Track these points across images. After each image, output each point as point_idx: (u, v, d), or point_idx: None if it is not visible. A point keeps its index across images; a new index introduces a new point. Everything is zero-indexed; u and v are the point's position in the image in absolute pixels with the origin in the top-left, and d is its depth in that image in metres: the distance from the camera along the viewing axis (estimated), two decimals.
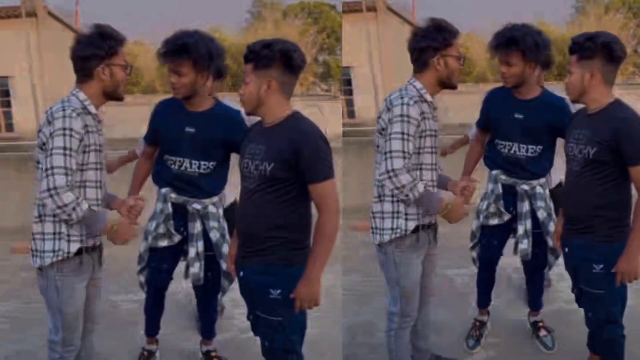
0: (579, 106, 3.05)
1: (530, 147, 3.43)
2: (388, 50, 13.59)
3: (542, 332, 3.76)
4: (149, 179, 3.49)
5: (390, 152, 2.78)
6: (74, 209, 2.52)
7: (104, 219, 2.67)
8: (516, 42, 3.27)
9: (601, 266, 2.82)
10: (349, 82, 15.56)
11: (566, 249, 3.03)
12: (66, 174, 2.51)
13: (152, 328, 3.69)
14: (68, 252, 2.65)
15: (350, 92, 15.52)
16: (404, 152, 2.78)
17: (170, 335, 4.07)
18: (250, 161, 2.60)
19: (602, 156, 2.78)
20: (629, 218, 2.83)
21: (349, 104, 15.53)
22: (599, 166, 2.80)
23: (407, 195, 2.80)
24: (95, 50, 2.67)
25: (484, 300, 3.92)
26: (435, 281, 3.30)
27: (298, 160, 2.49)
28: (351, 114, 15.25)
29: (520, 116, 3.41)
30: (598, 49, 2.77)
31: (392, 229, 2.94)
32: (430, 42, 2.89)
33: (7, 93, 14.79)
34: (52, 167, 2.50)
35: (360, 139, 8.18)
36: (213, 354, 3.69)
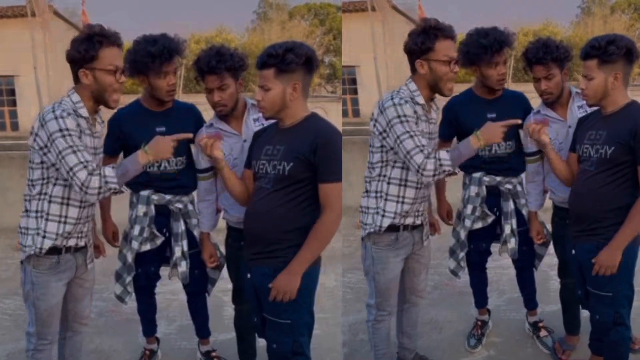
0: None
1: (507, 143, 3.41)
2: (393, 50, 13.60)
3: (543, 333, 3.75)
4: None
5: (408, 152, 2.76)
6: (106, 182, 2.51)
7: (134, 157, 2.62)
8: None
9: None
10: (354, 82, 15.63)
11: (573, 251, 3.01)
12: (85, 167, 2.48)
13: (149, 328, 3.70)
14: (40, 248, 2.63)
15: (355, 92, 15.58)
16: (417, 146, 2.76)
17: (172, 335, 4.09)
18: (267, 162, 2.61)
19: (619, 156, 2.76)
20: None
21: (354, 102, 15.62)
22: (614, 167, 2.79)
23: (446, 172, 2.80)
24: (74, 53, 2.58)
25: (481, 300, 3.93)
26: (425, 283, 3.26)
27: (315, 156, 2.50)
28: (356, 112, 15.34)
29: (493, 115, 3.36)
30: (622, 52, 2.77)
31: (369, 224, 2.96)
32: (412, 45, 2.86)
33: (12, 92, 14.87)
34: (70, 169, 2.49)
35: (364, 138, 8.13)
36: (213, 354, 3.67)
